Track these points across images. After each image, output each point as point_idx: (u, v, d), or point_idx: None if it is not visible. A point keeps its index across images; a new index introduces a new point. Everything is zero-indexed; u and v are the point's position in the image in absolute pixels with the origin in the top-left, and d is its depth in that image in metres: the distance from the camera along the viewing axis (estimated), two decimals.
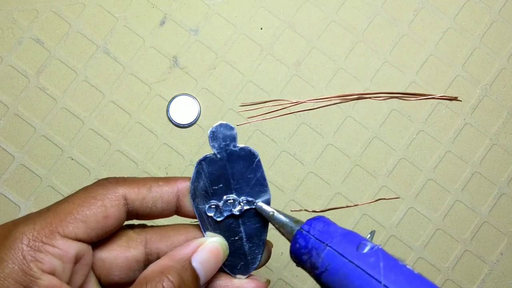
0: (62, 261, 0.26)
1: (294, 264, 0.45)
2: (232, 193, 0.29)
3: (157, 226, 0.30)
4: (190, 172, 0.44)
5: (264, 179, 0.30)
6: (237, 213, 0.29)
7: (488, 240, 0.45)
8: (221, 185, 0.29)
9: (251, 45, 0.46)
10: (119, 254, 0.29)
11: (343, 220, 0.45)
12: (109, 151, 0.45)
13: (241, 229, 0.30)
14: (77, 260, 0.27)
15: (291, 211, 0.45)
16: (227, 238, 0.30)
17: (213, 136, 0.29)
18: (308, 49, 0.46)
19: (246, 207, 0.29)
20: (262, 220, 0.30)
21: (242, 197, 0.29)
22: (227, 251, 0.29)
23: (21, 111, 0.45)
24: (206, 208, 0.29)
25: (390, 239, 0.44)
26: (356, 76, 0.46)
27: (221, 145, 0.30)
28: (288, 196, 0.45)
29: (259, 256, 0.30)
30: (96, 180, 0.29)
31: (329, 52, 0.46)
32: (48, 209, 0.27)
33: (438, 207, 0.45)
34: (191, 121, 0.45)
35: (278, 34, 0.46)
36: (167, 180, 0.29)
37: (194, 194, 0.29)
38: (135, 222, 0.31)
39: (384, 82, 0.46)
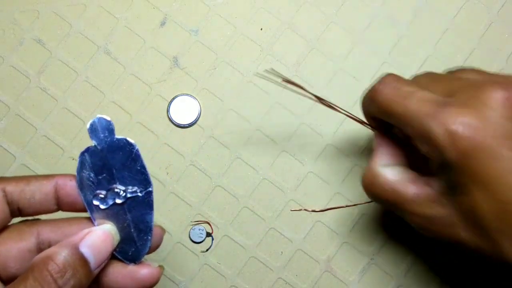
0: None
1: (294, 264, 0.45)
2: (115, 183, 0.31)
3: (50, 220, 0.32)
4: (191, 172, 0.45)
5: (145, 168, 0.31)
6: (121, 200, 0.31)
7: None
8: (105, 175, 0.31)
9: (251, 45, 0.46)
10: (12, 246, 0.30)
11: (343, 220, 0.45)
12: None
13: (128, 216, 0.31)
14: None
15: (291, 210, 0.45)
16: (116, 225, 0.32)
17: (92, 129, 0.31)
18: (308, 49, 0.46)
19: (129, 195, 0.31)
20: (147, 207, 0.31)
21: (125, 187, 0.31)
22: (117, 236, 0.31)
23: (22, 111, 0.45)
24: (91, 198, 0.31)
25: (390, 238, 0.45)
26: (356, 76, 0.46)
27: (101, 137, 0.31)
28: (287, 196, 0.45)
29: (148, 242, 0.32)
30: None
31: (329, 52, 0.46)
32: None
33: None
34: (191, 121, 0.45)
35: (278, 34, 0.46)
36: (46, 176, 0.31)
37: (81, 184, 0.31)
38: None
39: None
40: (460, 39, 0.46)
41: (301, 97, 0.46)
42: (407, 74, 0.46)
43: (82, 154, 0.31)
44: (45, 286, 0.26)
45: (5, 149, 0.45)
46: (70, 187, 0.31)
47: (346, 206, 0.45)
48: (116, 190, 0.31)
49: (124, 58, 0.46)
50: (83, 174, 0.31)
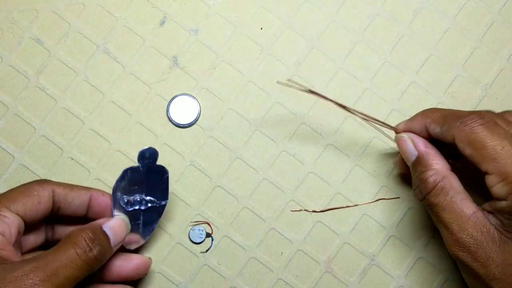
0: (9, 227, 0.35)
1: (294, 265, 0.45)
2: (143, 194, 0.41)
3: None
4: (190, 172, 0.45)
5: (168, 188, 0.41)
6: (142, 207, 0.41)
7: None
8: (137, 187, 0.41)
9: (251, 45, 0.46)
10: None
11: (343, 220, 0.45)
12: (109, 151, 0.45)
13: (141, 217, 0.41)
14: (19, 231, 0.36)
15: (291, 211, 0.45)
16: (130, 221, 0.40)
17: (142, 155, 0.41)
18: (308, 49, 0.46)
19: (149, 205, 0.41)
20: (157, 214, 0.41)
21: (149, 197, 0.41)
22: (129, 226, 0.40)
23: (21, 111, 0.45)
24: (120, 199, 0.40)
25: (390, 239, 0.44)
26: (356, 76, 0.46)
27: (145, 162, 0.41)
28: (288, 196, 0.45)
29: (147, 237, 0.42)
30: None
31: (329, 52, 0.46)
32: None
33: None
34: (191, 121, 0.45)
35: (278, 34, 0.46)
36: (85, 187, 0.40)
37: (116, 189, 0.41)
38: None
39: (384, 82, 0.46)
40: (461, 39, 0.46)
41: (301, 97, 0.46)
42: (408, 73, 0.46)
43: (126, 170, 0.40)
44: (81, 247, 0.35)
45: (4, 149, 0.45)
46: (102, 200, 0.40)
47: (347, 206, 0.45)
48: (140, 200, 0.41)
49: (123, 57, 0.46)
50: (120, 183, 0.40)
